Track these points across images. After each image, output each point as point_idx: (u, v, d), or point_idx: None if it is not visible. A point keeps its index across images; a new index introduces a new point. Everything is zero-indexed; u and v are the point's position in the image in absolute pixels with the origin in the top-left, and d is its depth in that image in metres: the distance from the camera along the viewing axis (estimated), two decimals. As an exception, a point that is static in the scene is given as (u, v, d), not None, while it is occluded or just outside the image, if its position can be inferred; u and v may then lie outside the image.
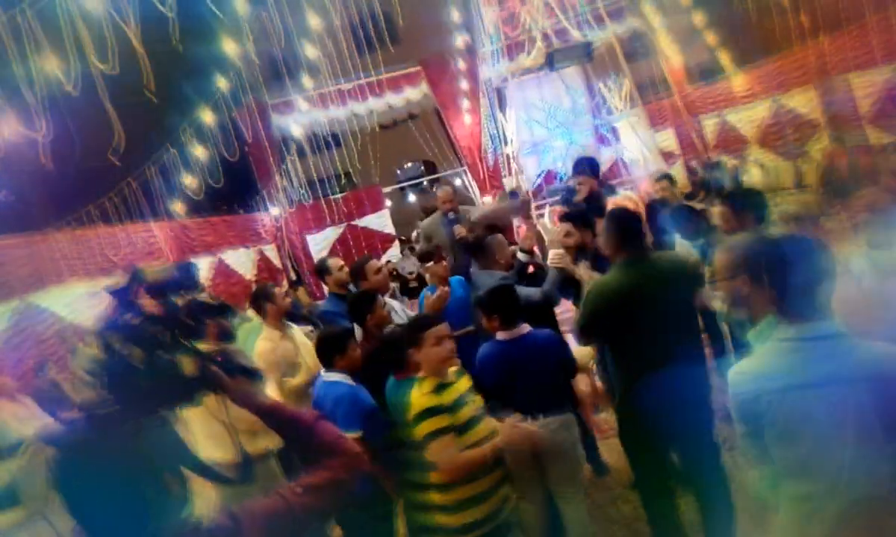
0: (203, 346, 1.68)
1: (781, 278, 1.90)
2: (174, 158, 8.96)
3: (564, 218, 4.34)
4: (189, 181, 9.11)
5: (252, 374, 1.77)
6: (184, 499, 1.58)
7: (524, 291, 3.86)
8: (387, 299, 4.35)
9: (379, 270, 4.39)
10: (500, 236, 4.49)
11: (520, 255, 4.44)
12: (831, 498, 1.86)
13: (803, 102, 9.16)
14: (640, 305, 3.09)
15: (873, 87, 8.21)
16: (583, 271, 3.80)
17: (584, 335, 3.49)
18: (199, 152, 9.14)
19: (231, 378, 1.70)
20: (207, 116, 9.22)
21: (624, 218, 3.38)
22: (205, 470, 1.70)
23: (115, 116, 5.53)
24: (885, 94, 8.06)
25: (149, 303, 1.73)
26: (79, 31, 5.10)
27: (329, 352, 3.58)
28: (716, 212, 4.37)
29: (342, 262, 4.85)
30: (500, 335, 3.33)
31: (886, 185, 4.31)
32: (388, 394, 3.53)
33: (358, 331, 3.80)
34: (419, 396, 2.81)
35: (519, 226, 6.87)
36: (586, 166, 5.14)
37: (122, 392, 1.49)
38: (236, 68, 9.01)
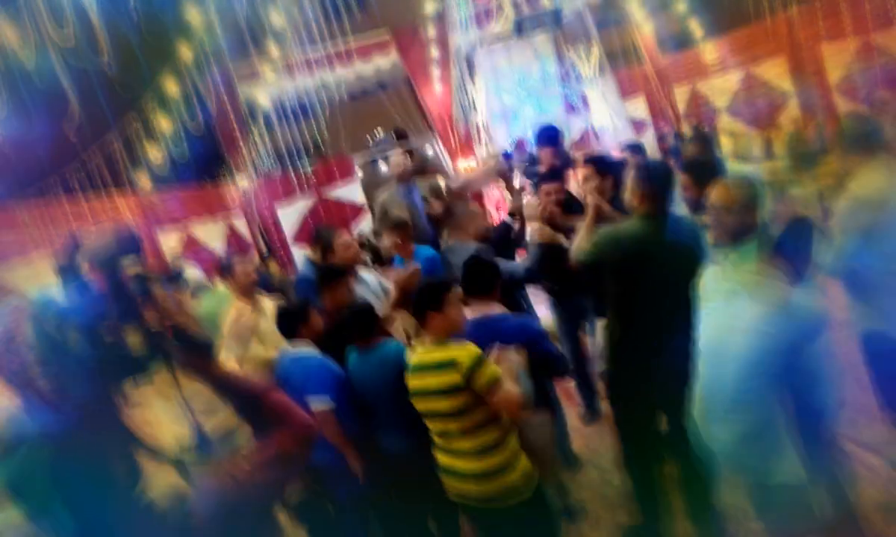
0: (153, 318, 1.64)
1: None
2: (138, 130, 8.76)
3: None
4: (154, 153, 8.92)
5: (203, 345, 1.73)
6: (135, 481, 1.54)
7: (507, 266, 3.78)
8: (359, 270, 4.29)
9: (348, 246, 4.31)
10: (475, 205, 4.45)
11: (505, 219, 4.39)
12: None
13: (774, 72, 9.20)
14: (652, 261, 3.06)
15: (843, 57, 8.27)
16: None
17: (582, 267, 3.44)
18: (164, 124, 8.94)
19: (182, 350, 1.65)
20: (171, 87, 9.01)
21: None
22: (156, 454, 1.66)
23: (70, 87, 5.37)
24: (854, 65, 8.12)
25: (95, 276, 1.68)
26: (35, 2, 4.94)
27: (292, 322, 3.55)
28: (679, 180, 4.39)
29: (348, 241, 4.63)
30: (467, 312, 3.26)
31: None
32: (354, 366, 3.51)
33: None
34: (462, 349, 2.70)
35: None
36: (549, 135, 5.08)
37: (64, 375, 1.45)
38: (200, 37, 8.78)
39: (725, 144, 9.36)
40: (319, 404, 3.34)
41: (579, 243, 3.41)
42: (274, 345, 4.11)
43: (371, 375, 3.42)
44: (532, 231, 4.03)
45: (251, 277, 4.43)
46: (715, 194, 2.81)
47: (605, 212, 3.72)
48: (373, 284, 4.26)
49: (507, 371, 2.79)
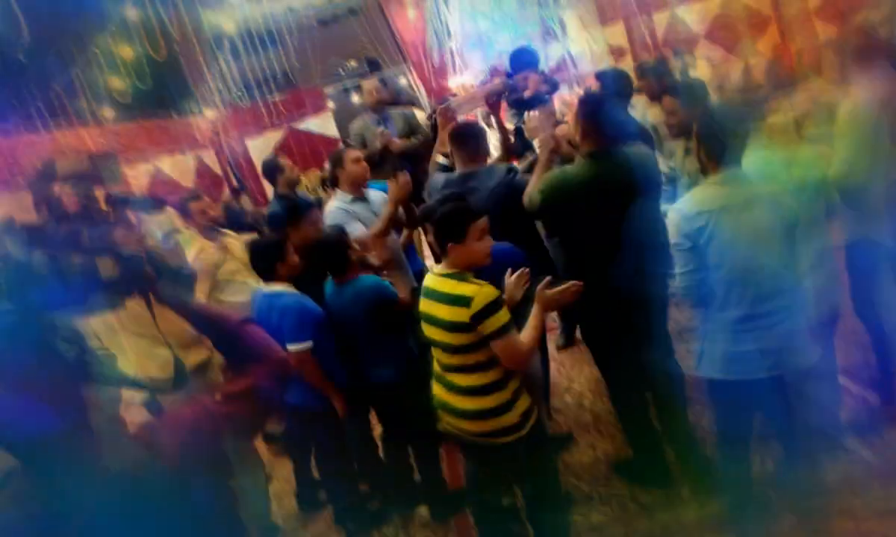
0: (128, 242, 1.54)
1: (715, 137, 2.62)
2: (98, 59, 8.36)
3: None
4: (117, 83, 8.56)
5: (178, 275, 1.65)
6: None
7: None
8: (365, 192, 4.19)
9: (358, 160, 4.17)
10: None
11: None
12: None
13: (752, -3, 9.01)
14: (604, 199, 3.02)
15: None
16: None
17: (533, 214, 3.39)
18: (125, 52, 8.55)
19: (155, 278, 1.55)
20: (131, 13, 8.58)
21: (597, 103, 3.23)
22: (132, 383, 1.59)
23: (18, 10, 5.06)
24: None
25: (66, 196, 1.56)
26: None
27: (268, 260, 3.45)
28: (665, 103, 4.31)
29: (291, 163, 4.68)
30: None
31: (830, 79, 4.26)
32: (331, 299, 3.43)
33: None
34: (481, 288, 2.56)
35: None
36: (528, 58, 4.89)
37: (27, 298, 1.34)
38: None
39: (704, 71, 9.23)
40: (297, 346, 3.28)
41: (530, 190, 3.33)
42: (243, 288, 4.03)
43: (346, 310, 3.35)
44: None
45: (208, 216, 4.32)
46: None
47: (563, 153, 3.64)
48: (376, 204, 4.14)
49: (543, 304, 2.71)
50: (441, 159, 4.06)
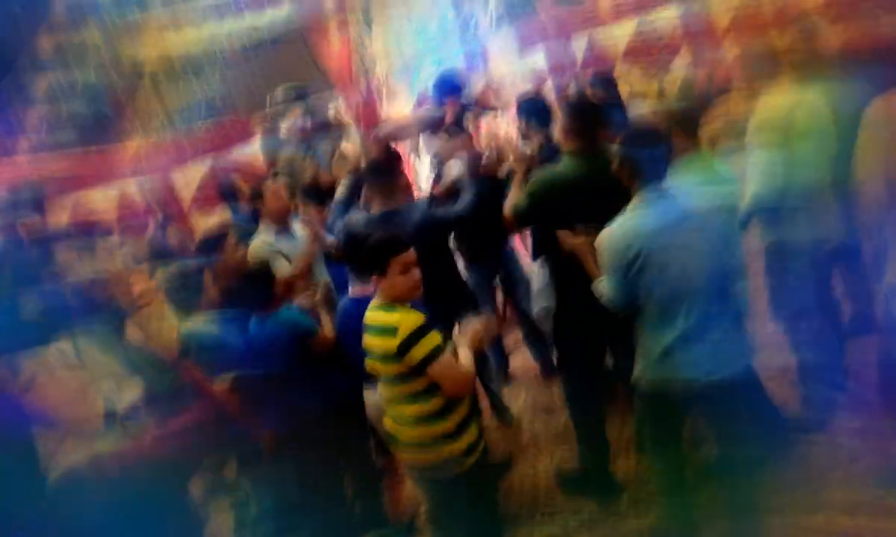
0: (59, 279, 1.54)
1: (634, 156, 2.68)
2: (12, 88, 8.09)
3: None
4: (32, 114, 8.29)
5: (108, 311, 1.64)
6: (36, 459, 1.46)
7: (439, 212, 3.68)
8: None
9: (279, 192, 4.17)
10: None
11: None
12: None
13: (666, 20, 9.41)
14: (588, 197, 3.09)
15: (728, 3, 8.56)
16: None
17: (520, 222, 3.43)
18: (42, 82, 8.30)
19: (93, 315, 1.56)
20: (46, 42, 8.35)
21: (583, 105, 3.32)
22: (64, 427, 1.59)
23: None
24: (737, 12, 8.42)
25: None
26: None
27: (186, 293, 3.43)
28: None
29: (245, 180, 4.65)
30: (352, 291, 3.16)
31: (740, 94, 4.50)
32: (255, 332, 3.42)
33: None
34: (405, 316, 2.59)
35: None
36: (449, 86, 5.00)
37: None
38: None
39: (623, 91, 9.57)
40: (217, 381, 3.27)
41: (513, 198, 3.39)
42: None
43: (268, 343, 3.36)
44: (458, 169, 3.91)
45: (124, 253, 4.28)
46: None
47: (533, 161, 3.69)
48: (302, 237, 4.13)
49: (468, 341, 2.74)
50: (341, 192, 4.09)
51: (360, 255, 2.73)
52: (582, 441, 3.63)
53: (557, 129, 3.41)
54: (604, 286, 2.83)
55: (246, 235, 4.31)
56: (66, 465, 1.51)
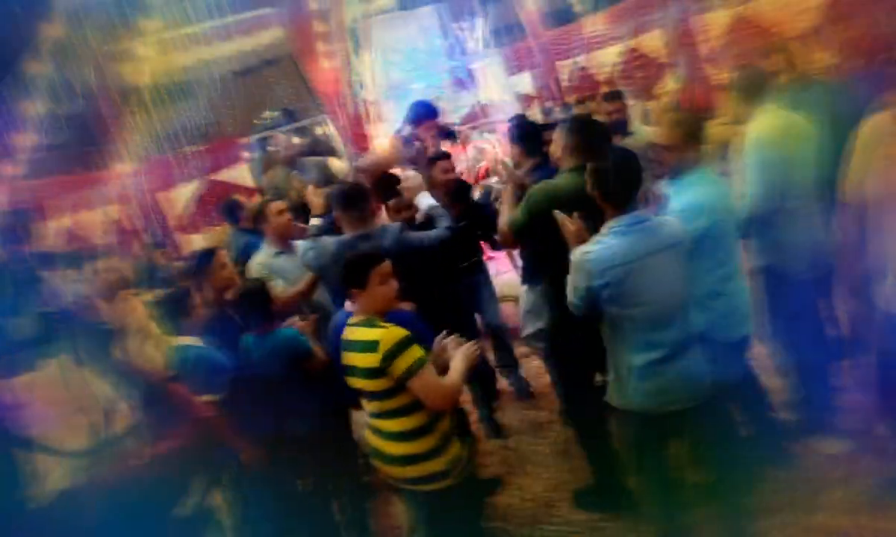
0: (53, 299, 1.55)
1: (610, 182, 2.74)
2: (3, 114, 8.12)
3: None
4: (22, 139, 8.31)
5: (99, 333, 1.65)
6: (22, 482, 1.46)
7: (416, 237, 3.70)
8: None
9: (282, 211, 4.17)
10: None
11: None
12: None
13: (650, 44, 9.58)
14: (590, 211, 2.99)
15: (713, 29, 8.73)
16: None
17: (518, 235, 3.44)
18: (32, 107, 8.34)
19: (86, 336, 1.57)
20: (36, 67, 8.39)
21: (588, 124, 3.35)
22: (53, 450, 1.59)
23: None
24: (724, 36, 8.60)
25: None
26: None
27: (172, 315, 3.43)
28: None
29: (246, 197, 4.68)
30: (348, 305, 3.11)
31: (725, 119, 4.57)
32: (250, 352, 3.43)
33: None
34: (387, 331, 2.59)
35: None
36: (424, 113, 5.04)
37: None
38: (67, 13, 8.20)
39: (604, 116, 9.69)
40: (206, 399, 3.26)
41: (509, 213, 3.44)
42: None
43: (265, 362, 3.36)
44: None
45: (111, 276, 4.21)
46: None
47: (520, 179, 3.71)
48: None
49: (455, 361, 2.74)
50: (315, 221, 4.11)
51: (341, 270, 2.74)
52: (591, 456, 3.63)
53: (554, 148, 3.46)
54: (569, 291, 2.85)
55: (246, 254, 4.33)
56: (53, 486, 1.52)
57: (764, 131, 3.40)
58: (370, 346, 2.60)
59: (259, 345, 3.40)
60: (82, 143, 9.54)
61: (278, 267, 4.04)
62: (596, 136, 3.31)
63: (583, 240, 2.82)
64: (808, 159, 3.39)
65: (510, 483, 4.14)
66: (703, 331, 2.90)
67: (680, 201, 3.10)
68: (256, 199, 4.63)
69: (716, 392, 2.84)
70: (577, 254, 2.80)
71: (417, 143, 4.79)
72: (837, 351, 3.63)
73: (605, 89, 9.95)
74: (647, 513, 3.15)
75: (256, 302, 3.41)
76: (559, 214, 2.94)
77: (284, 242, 4.14)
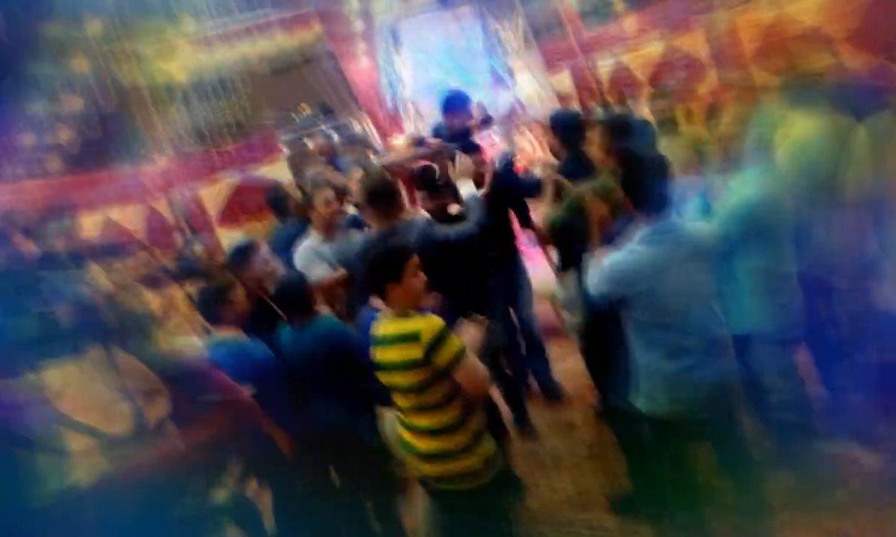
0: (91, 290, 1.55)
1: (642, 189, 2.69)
2: (44, 109, 8.29)
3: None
4: (64, 134, 8.48)
5: (142, 322, 1.65)
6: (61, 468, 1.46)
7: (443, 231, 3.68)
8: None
9: (329, 202, 4.18)
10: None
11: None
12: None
13: (692, 43, 9.42)
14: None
15: (756, 28, 8.54)
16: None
17: (556, 236, 3.46)
18: (72, 102, 8.51)
19: (120, 326, 1.57)
20: (78, 64, 8.56)
21: (624, 124, 3.32)
22: (90, 431, 1.59)
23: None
24: (766, 35, 8.40)
25: (24, 245, 1.57)
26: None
27: (213, 307, 3.43)
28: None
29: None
30: (373, 302, 3.09)
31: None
32: (287, 343, 3.43)
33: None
34: (427, 322, 2.58)
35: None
36: (454, 101, 4.99)
37: None
38: (108, 10, 8.34)
39: (647, 114, 9.56)
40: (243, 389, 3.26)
41: (549, 213, 3.43)
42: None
43: (305, 353, 3.35)
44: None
45: (140, 272, 4.32)
46: None
47: (561, 183, 3.66)
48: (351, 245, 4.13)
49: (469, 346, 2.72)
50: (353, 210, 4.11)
51: (374, 264, 2.71)
52: (626, 458, 3.54)
53: (593, 146, 3.41)
54: (591, 287, 2.83)
55: (290, 245, 4.35)
56: (67, 483, 1.51)
57: (809, 133, 3.33)
58: (410, 338, 2.57)
59: (299, 337, 3.39)
60: (119, 140, 9.72)
61: (324, 255, 4.06)
62: (629, 139, 3.27)
63: (607, 225, 2.82)
64: (810, 162, 3.36)
65: (542, 484, 4.08)
66: (758, 330, 2.92)
67: (736, 197, 3.09)
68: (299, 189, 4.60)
69: (739, 395, 2.84)
70: (606, 262, 2.78)
71: (433, 141, 4.76)
72: (837, 351, 3.56)
73: (648, 89, 9.88)
74: (676, 519, 3.09)
75: (297, 293, 3.40)
76: (589, 195, 2.89)
77: (330, 231, 4.16)
